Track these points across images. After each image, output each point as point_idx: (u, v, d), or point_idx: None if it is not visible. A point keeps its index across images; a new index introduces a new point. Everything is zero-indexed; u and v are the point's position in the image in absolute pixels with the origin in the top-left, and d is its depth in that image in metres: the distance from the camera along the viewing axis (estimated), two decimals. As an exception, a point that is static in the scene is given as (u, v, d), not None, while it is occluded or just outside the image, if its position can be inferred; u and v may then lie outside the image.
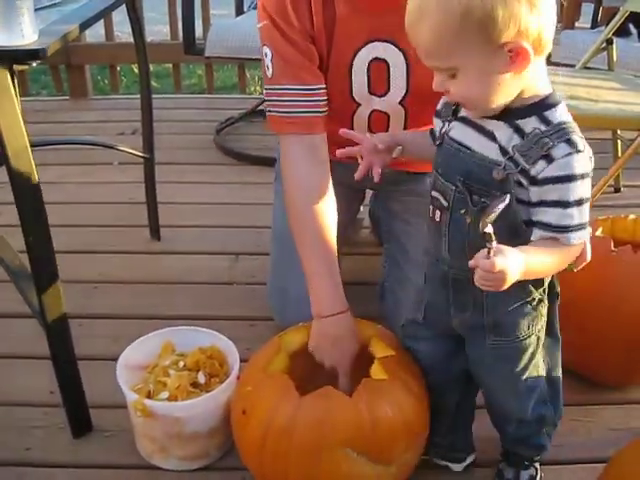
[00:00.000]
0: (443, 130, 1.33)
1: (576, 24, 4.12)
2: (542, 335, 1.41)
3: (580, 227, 1.21)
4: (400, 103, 1.71)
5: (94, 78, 4.62)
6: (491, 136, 1.24)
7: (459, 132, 1.30)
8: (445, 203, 1.30)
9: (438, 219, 1.33)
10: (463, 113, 1.30)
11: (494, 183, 1.22)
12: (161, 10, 4.19)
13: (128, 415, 1.62)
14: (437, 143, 1.34)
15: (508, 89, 1.19)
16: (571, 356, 1.85)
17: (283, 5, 1.57)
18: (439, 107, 1.37)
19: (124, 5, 1.98)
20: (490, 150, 1.24)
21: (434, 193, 1.34)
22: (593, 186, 2.34)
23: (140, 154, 2.37)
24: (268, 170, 3.00)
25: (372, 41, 1.62)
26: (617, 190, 2.97)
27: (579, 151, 1.17)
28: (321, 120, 1.65)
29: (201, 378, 1.64)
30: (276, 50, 1.60)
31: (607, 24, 2.87)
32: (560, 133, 1.18)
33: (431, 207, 1.35)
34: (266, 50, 1.62)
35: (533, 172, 1.18)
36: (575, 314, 1.77)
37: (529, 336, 1.38)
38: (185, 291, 2.29)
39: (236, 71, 4.28)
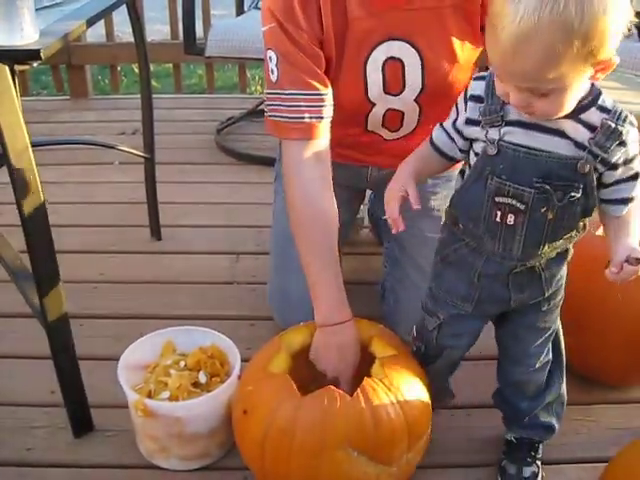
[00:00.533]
0: (494, 137, 1.31)
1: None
2: None
3: None
4: (415, 100, 1.70)
5: (94, 78, 4.62)
6: (562, 134, 1.27)
7: (522, 137, 1.29)
8: (522, 206, 1.31)
9: (512, 222, 1.34)
10: (516, 117, 1.29)
11: (577, 177, 1.27)
12: (161, 10, 4.18)
13: (129, 415, 1.62)
14: (492, 152, 1.31)
15: (581, 93, 1.23)
16: (573, 356, 1.86)
17: (291, 7, 1.54)
18: (472, 116, 1.34)
19: (124, 5, 1.98)
20: (565, 147, 1.27)
21: (501, 199, 1.33)
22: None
23: (141, 154, 2.37)
24: (269, 170, 3.00)
25: (387, 40, 1.60)
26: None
27: (635, 126, 1.27)
28: (325, 125, 1.62)
29: (202, 378, 1.64)
30: (282, 54, 1.57)
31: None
32: (621, 116, 1.25)
33: (499, 212, 1.34)
34: (271, 54, 1.59)
35: (614, 159, 1.26)
36: (577, 314, 1.77)
37: (562, 297, 1.51)
38: (186, 291, 2.29)
39: (237, 71, 4.27)
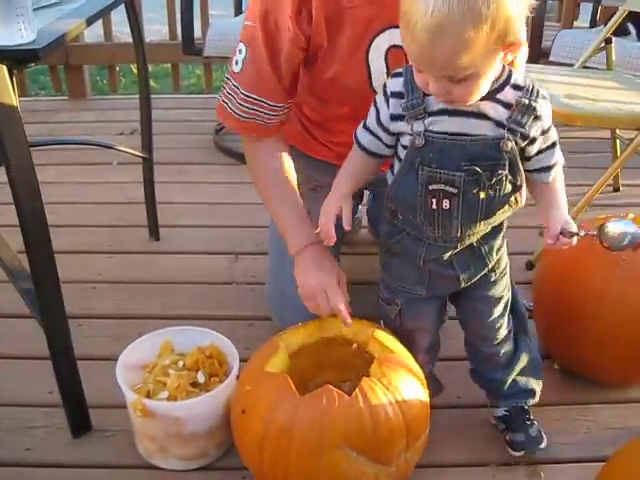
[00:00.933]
0: (419, 129, 1.37)
1: (575, 23, 4.12)
2: None
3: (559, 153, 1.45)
4: None
5: (93, 78, 4.62)
6: (483, 116, 1.35)
7: (446, 124, 1.36)
8: (454, 190, 1.39)
9: (447, 206, 1.41)
10: (437, 106, 1.36)
11: (502, 155, 1.36)
12: (160, 10, 4.18)
13: (128, 415, 1.62)
14: (420, 144, 1.37)
15: (494, 75, 1.31)
16: (571, 356, 1.87)
17: (279, 4, 1.55)
18: (396, 111, 1.40)
19: (123, 5, 1.98)
20: (486, 128, 1.35)
21: (434, 187, 1.39)
22: (592, 186, 2.36)
23: (139, 154, 2.37)
24: (267, 170, 3.00)
25: (388, 28, 1.58)
26: (616, 189, 2.98)
27: (547, 98, 1.37)
28: (280, 125, 1.69)
29: (200, 378, 1.64)
30: (253, 60, 1.60)
31: (606, 23, 2.88)
32: (534, 92, 1.35)
33: (434, 199, 1.41)
34: (241, 47, 1.63)
35: (532, 133, 1.36)
36: (574, 313, 1.78)
37: (506, 264, 1.60)
38: (184, 291, 2.29)
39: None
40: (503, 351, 1.65)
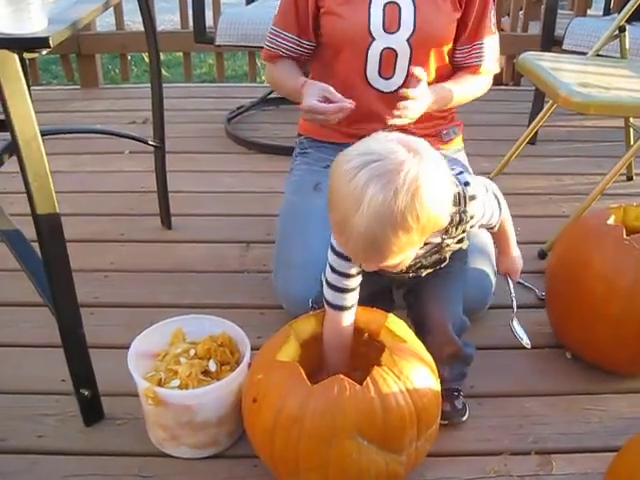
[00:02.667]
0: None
1: (588, 11, 4.09)
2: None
3: (500, 205, 1.56)
4: (407, 41, 1.93)
5: (105, 67, 4.63)
6: (425, 245, 1.44)
7: None
8: (404, 277, 1.60)
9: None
10: None
11: (442, 254, 1.56)
12: (171, -1, 4.19)
13: (139, 403, 1.63)
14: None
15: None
16: (584, 344, 1.86)
17: None
18: (353, 270, 1.50)
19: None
20: (429, 247, 1.50)
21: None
22: (605, 175, 2.35)
23: (151, 143, 2.37)
24: (279, 159, 3.01)
25: None
26: (629, 178, 2.96)
27: (476, 196, 1.45)
28: (301, 56, 2.06)
29: (212, 366, 1.64)
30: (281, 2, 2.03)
31: (619, 11, 2.85)
32: (461, 202, 1.42)
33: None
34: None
35: (469, 227, 1.49)
36: (587, 303, 1.77)
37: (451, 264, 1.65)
38: (196, 279, 2.29)
39: (247, 60, 4.27)
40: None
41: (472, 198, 1.44)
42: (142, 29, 2.19)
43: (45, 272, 1.52)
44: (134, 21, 3.98)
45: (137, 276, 2.32)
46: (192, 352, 1.68)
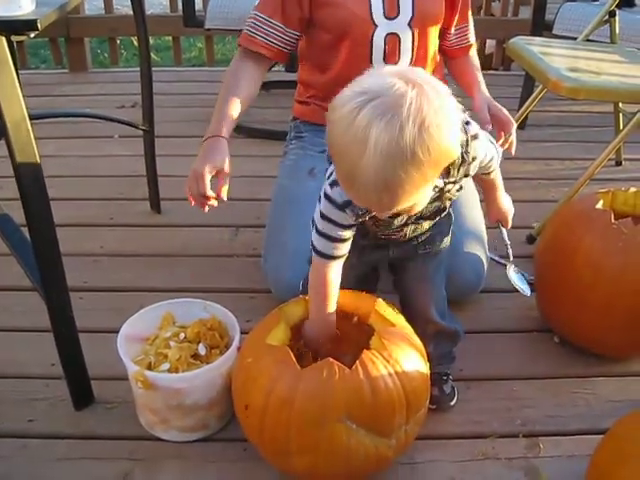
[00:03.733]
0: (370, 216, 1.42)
1: (578, -4, 4.09)
2: None
3: (497, 152, 1.52)
4: (408, 24, 1.94)
5: (93, 51, 4.61)
6: None
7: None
8: (403, 232, 1.54)
9: (396, 237, 1.55)
10: None
11: (443, 202, 1.49)
12: (161, -18, 4.17)
13: (129, 387, 1.63)
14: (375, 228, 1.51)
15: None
16: (572, 328, 1.87)
17: None
18: (349, 221, 1.42)
19: (123, -24, 1.96)
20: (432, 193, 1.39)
21: (383, 234, 1.54)
22: (594, 160, 2.36)
23: (140, 127, 2.36)
24: (269, 143, 3.01)
25: None
26: (618, 163, 2.98)
27: (478, 136, 1.39)
28: (277, 53, 1.96)
29: (202, 350, 1.65)
30: None
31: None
32: (464, 141, 1.34)
33: (383, 237, 1.56)
34: None
35: (471, 172, 1.43)
36: (576, 287, 1.79)
37: (447, 244, 1.67)
38: (185, 263, 2.29)
39: (236, 44, 4.25)
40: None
41: (474, 137, 1.38)
42: (131, 12, 2.18)
43: (34, 256, 1.52)
44: (123, 4, 3.95)
45: (126, 260, 2.31)
46: (182, 336, 1.68)
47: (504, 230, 1.74)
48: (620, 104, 2.77)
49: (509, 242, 1.74)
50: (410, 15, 1.93)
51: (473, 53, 2.15)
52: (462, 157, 1.35)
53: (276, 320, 1.52)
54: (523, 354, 1.93)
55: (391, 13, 1.93)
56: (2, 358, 1.87)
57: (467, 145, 1.36)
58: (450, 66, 2.19)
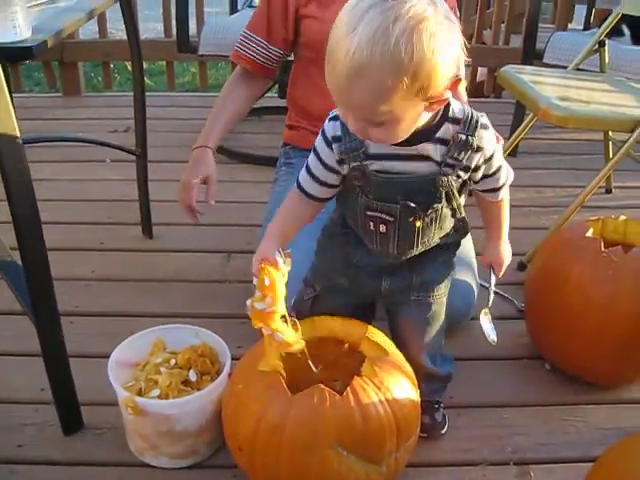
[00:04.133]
0: (357, 168, 1.40)
1: (569, 25, 4.13)
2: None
3: (508, 171, 1.48)
4: None
5: (87, 75, 4.62)
6: (423, 158, 1.37)
7: (385, 165, 1.39)
8: (391, 218, 1.43)
9: (384, 230, 1.46)
10: (377, 150, 1.37)
11: (437, 189, 1.39)
12: (155, 7, 4.18)
13: (119, 413, 1.62)
14: (359, 183, 1.42)
15: (422, 120, 1.29)
16: (562, 356, 1.88)
17: None
18: (340, 156, 1.40)
19: (118, 2, 1.98)
20: (426, 167, 1.38)
21: (371, 213, 1.45)
22: (584, 187, 2.37)
23: (133, 151, 2.37)
24: (261, 169, 3.01)
25: None
26: (608, 191, 2.99)
27: (489, 127, 1.37)
28: (260, 67, 2.06)
29: (192, 376, 1.64)
30: (257, 9, 2.07)
31: (599, 26, 2.89)
32: (471, 124, 1.34)
33: (371, 223, 1.47)
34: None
35: (473, 164, 1.38)
36: (566, 314, 1.79)
37: (443, 296, 1.62)
38: (177, 289, 2.29)
39: (229, 69, 4.27)
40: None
41: (484, 127, 1.35)
42: (125, 37, 2.20)
43: (25, 280, 1.52)
44: (117, 29, 3.98)
45: (118, 285, 2.31)
46: (172, 362, 1.68)
47: (493, 277, 1.67)
48: (610, 132, 2.80)
49: (494, 288, 1.67)
50: None
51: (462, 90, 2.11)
52: (466, 138, 1.34)
53: (268, 346, 1.52)
54: (514, 381, 1.93)
55: None
56: (-9, 382, 1.86)
57: (474, 128, 1.34)
58: None
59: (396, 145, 1.32)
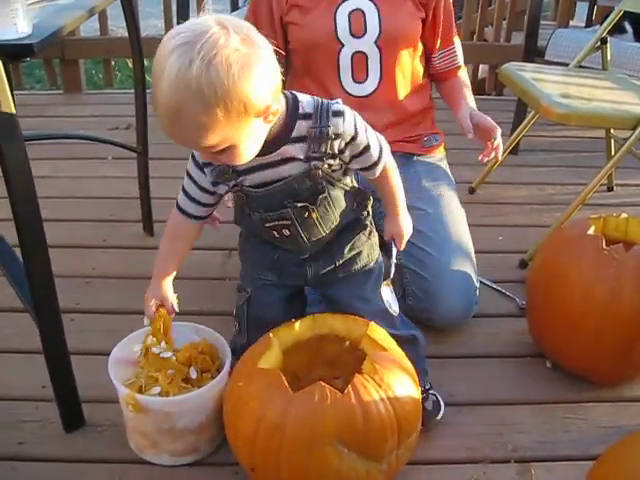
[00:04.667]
0: (235, 188, 1.47)
1: (570, 22, 4.13)
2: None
3: (381, 147, 1.48)
4: (375, 43, 2.00)
5: (88, 72, 4.61)
6: (289, 160, 1.41)
7: (258, 177, 1.44)
8: (288, 222, 1.49)
9: (288, 233, 1.52)
10: (244, 165, 1.38)
11: (316, 181, 1.43)
12: (156, 4, 4.17)
13: (120, 410, 1.62)
14: (242, 200, 1.49)
15: (265, 133, 1.33)
16: (563, 354, 1.87)
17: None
18: (213, 179, 1.47)
19: None
20: (296, 167, 1.42)
21: (269, 224, 1.51)
22: (586, 185, 2.37)
23: (134, 149, 2.37)
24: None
25: (346, 0, 2.00)
26: (610, 189, 2.99)
27: (343, 113, 1.39)
28: None
29: (193, 373, 1.64)
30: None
31: (601, 23, 2.88)
32: (322, 115, 1.38)
33: (274, 232, 1.53)
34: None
35: (336, 149, 1.41)
36: (567, 312, 1.79)
37: (370, 263, 1.64)
38: (177, 286, 2.25)
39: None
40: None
41: (337, 114, 1.38)
42: (126, 35, 2.20)
43: (27, 277, 1.52)
44: (118, 26, 3.97)
45: (119, 282, 2.31)
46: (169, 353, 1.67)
47: (394, 249, 1.66)
48: (612, 130, 2.79)
49: (395, 261, 1.67)
50: (377, 33, 1.99)
51: (462, 74, 2.19)
52: (320, 131, 1.37)
53: (268, 344, 1.52)
54: (515, 379, 1.93)
55: (358, 32, 1.99)
56: (-8, 380, 1.86)
57: (326, 118, 1.37)
58: (440, 89, 2.23)
59: (259, 156, 1.36)
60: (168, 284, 1.62)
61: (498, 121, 2.00)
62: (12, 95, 1.38)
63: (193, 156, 1.48)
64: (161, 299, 1.62)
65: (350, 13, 1.99)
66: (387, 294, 1.68)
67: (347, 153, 1.43)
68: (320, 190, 1.46)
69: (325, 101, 1.40)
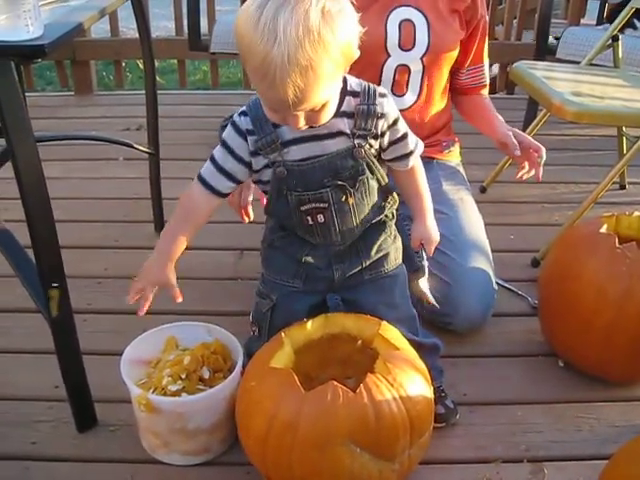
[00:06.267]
0: (278, 161, 1.44)
1: (581, 20, 4.11)
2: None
3: (417, 139, 1.53)
4: (420, 59, 1.96)
5: (99, 74, 4.63)
6: (335, 134, 1.42)
7: (302, 151, 1.43)
8: (324, 204, 1.48)
9: (323, 220, 1.50)
10: (291, 135, 1.42)
11: (357, 161, 1.45)
12: (167, 6, 4.19)
13: (132, 410, 1.63)
14: (283, 175, 1.45)
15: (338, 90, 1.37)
16: (576, 353, 1.87)
17: None
18: (254, 148, 1.43)
19: (129, 1, 1.98)
20: (340, 143, 1.43)
21: (305, 207, 1.48)
22: (598, 183, 2.36)
23: (145, 150, 2.37)
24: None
25: (407, 6, 1.94)
26: (622, 187, 2.98)
27: (386, 95, 1.44)
28: None
29: (205, 373, 1.64)
30: None
31: (612, 21, 2.87)
32: (370, 94, 1.41)
33: (309, 217, 1.50)
34: None
35: (379, 130, 1.44)
36: (580, 311, 1.78)
37: (397, 267, 1.64)
38: (189, 286, 2.26)
39: (241, 67, 4.27)
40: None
41: (382, 95, 1.43)
42: (137, 36, 2.20)
43: (39, 278, 1.52)
44: (129, 27, 3.99)
45: (130, 283, 2.30)
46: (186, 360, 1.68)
47: (424, 254, 1.64)
48: (624, 128, 2.78)
49: (427, 263, 1.65)
50: (425, 49, 1.95)
51: (485, 92, 2.19)
52: (368, 108, 1.41)
53: (280, 343, 1.52)
54: (527, 378, 1.93)
55: (407, 45, 1.95)
56: (5, 380, 1.87)
57: (373, 97, 1.41)
58: (460, 103, 2.21)
59: (309, 126, 1.36)
60: (172, 267, 1.54)
61: (509, 120, 2.00)
62: (24, 97, 1.38)
63: (234, 122, 1.45)
64: (164, 284, 1.55)
65: (401, 23, 1.94)
66: (425, 285, 1.67)
67: (387, 138, 1.46)
68: (360, 172, 1.46)
69: (369, 84, 1.43)
